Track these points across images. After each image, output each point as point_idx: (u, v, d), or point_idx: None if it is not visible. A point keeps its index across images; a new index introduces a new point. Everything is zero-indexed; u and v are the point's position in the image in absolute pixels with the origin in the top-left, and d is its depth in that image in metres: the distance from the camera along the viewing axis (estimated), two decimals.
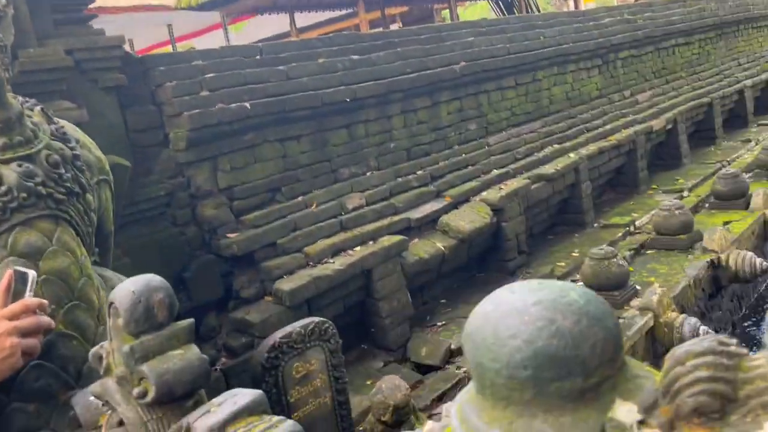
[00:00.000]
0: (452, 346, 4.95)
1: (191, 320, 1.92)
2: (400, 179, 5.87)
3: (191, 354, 1.80)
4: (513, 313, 0.93)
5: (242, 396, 1.66)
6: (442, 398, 4.41)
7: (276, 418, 1.62)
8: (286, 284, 4.47)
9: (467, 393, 1.05)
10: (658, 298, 5.21)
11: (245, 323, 4.37)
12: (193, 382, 1.78)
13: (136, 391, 1.76)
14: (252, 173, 4.96)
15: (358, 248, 5.00)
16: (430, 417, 4.13)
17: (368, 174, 5.73)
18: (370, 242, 5.10)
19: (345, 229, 5.19)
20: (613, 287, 5.39)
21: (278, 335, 3.19)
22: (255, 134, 4.94)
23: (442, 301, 5.78)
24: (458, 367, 4.75)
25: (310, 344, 3.28)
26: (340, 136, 5.59)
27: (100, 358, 1.90)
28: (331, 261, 4.81)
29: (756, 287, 7.05)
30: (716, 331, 5.21)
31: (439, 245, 5.47)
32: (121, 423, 1.84)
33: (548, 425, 0.87)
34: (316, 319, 3.39)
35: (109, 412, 1.87)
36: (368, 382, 4.65)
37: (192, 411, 1.71)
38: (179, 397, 1.76)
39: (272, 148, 5.10)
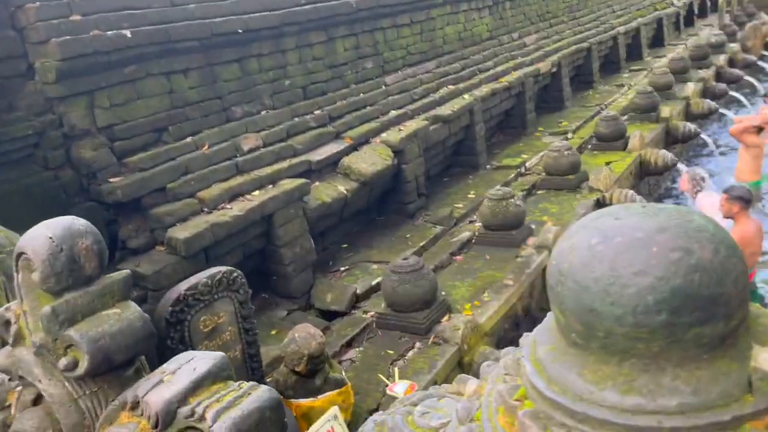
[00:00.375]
0: (358, 291, 4.84)
1: (127, 272, 1.62)
2: (297, 119, 5.56)
3: (130, 313, 1.51)
4: (635, 244, 0.74)
5: (201, 361, 1.41)
6: (350, 344, 4.31)
7: (246, 384, 1.39)
8: (180, 232, 4.11)
9: (548, 345, 0.85)
10: (553, 236, 5.38)
11: (136, 276, 3.96)
12: (135, 346, 1.50)
13: (62, 362, 1.44)
14: (135, 110, 4.46)
15: (256, 192, 4.70)
16: (340, 363, 4.03)
17: (263, 113, 5.37)
18: (270, 186, 4.81)
19: (241, 172, 4.85)
20: (511, 227, 5.49)
21: (183, 287, 2.89)
22: (137, 67, 4.41)
23: (344, 245, 5.64)
24: (364, 312, 4.66)
25: (218, 296, 3.02)
26: (232, 70, 5.16)
27: (6, 323, 1.55)
28: (229, 207, 4.48)
29: None
30: None
31: (342, 188, 5.28)
32: (37, 400, 1.52)
33: (681, 382, 0.69)
34: (223, 268, 3.12)
35: (20, 388, 1.54)
36: (273, 332, 4.46)
37: (134, 381, 1.44)
38: (118, 365, 1.48)
39: (157, 82, 4.60)
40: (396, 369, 3.86)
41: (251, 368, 3.26)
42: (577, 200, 6.47)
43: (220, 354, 1.45)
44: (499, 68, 8.37)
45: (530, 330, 4.31)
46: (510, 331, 4.74)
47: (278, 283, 4.84)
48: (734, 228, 5.65)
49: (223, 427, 1.27)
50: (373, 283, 4.95)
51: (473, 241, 5.67)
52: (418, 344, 4.18)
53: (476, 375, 4.09)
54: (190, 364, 1.42)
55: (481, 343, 4.24)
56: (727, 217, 5.75)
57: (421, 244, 5.54)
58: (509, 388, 0.87)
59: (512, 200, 5.49)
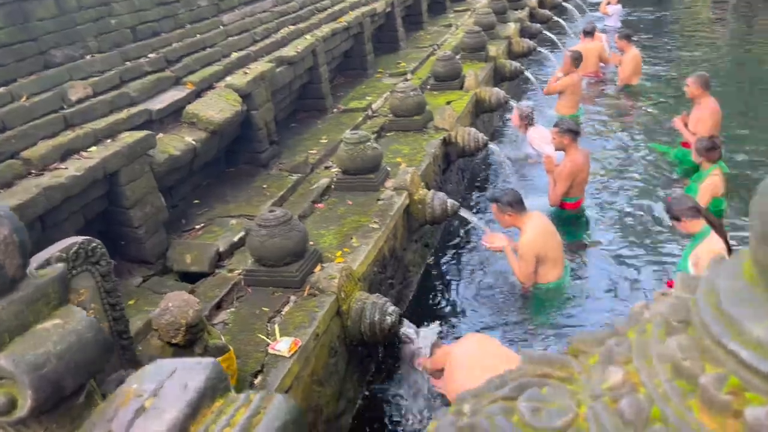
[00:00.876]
0: (220, 249, 4.54)
1: (61, 267, 1.24)
2: (129, 63, 4.95)
3: (76, 322, 1.16)
4: None
5: (189, 372, 1.09)
6: (220, 306, 4.04)
7: (255, 396, 1.12)
8: (7, 200, 3.50)
9: (733, 279, 0.70)
10: (410, 177, 5.43)
11: None
12: (88, 366, 1.14)
13: None
14: None
15: (94, 149, 4.14)
16: (214, 326, 3.76)
17: (88, 57, 4.70)
18: (108, 141, 4.26)
19: (71, 125, 4.23)
20: (369, 170, 5.45)
21: (32, 265, 2.44)
22: None
23: (195, 201, 5.23)
24: (230, 270, 4.39)
25: (76, 270, 2.61)
26: (47, 7, 4.42)
27: None
28: (63, 166, 3.91)
29: (473, 161, 7.87)
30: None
31: (189, 139, 4.84)
32: None
33: None
34: (79, 238, 2.69)
35: None
36: (130, 302, 4.04)
37: (87, 411, 1.09)
38: (69, 394, 1.10)
39: None
40: (276, 326, 3.70)
41: (121, 346, 2.91)
42: (426, 140, 6.58)
43: (209, 361, 1.17)
44: (337, 7, 8.14)
45: (397, 270, 4.35)
46: (378, 273, 4.75)
47: (129, 248, 4.37)
48: (565, 159, 6.11)
49: None
50: (236, 239, 4.66)
51: (332, 187, 5.55)
52: (293, 298, 4.03)
53: (354, 322, 4.05)
54: (177, 380, 1.11)
55: (355, 289, 4.20)
56: (559, 149, 6.20)
57: (280, 194, 5.31)
58: (715, 379, 0.70)
59: (368, 143, 5.43)
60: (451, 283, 5.62)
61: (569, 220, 6.27)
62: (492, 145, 6.95)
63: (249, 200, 5.23)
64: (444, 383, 3.77)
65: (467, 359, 3.71)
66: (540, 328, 4.88)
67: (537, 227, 4.96)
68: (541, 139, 7.96)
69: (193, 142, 4.83)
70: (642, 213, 6.50)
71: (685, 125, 6.93)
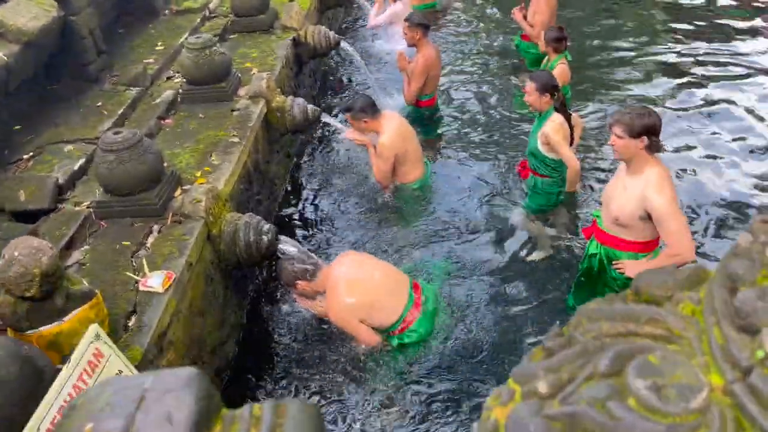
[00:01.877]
0: (60, 181, 3.97)
1: None
2: None
3: None
4: None
5: (169, 396, 0.75)
6: (71, 245, 3.57)
7: (263, 408, 0.83)
8: None
9: None
10: (265, 83, 5.06)
11: None
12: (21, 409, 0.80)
13: None
14: None
15: None
16: (68, 268, 3.32)
17: None
18: None
19: None
20: (219, 78, 4.99)
21: None
22: None
23: (17, 127, 4.48)
24: (76, 204, 3.87)
25: None
26: None
27: None
28: None
29: (325, 62, 7.53)
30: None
31: None
32: None
33: None
34: None
35: None
36: None
37: None
38: None
39: None
40: (143, 261, 3.35)
41: None
42: (274, 41, 6.14)
43: (188, 371, 0.86)
44: None
45: (263, 185, 4.11)
46: (245, 191, 4.46)
47: None
48: (418, 55, 6.00)
49: None
50: (76, 167, 4.10)
51: (179, 99, 5.03)
52: (156, 227, 3.66)
53: (228, 246, 3.80)
54: (153, 410, 0.78)
55: (224, 211, 3.91)
56: (411, 45, 6.06)
57: (119, 111, 4.71)
58: None
59: (215, 48, 4.93)
60: (317, 193, 5.46)
61: (425, 118, 6.27)
62: (344, 44, 6.65)
63: (84, 121, 4.59)
64: (326, 303, 3.68)
65: (348, 276, 3.64)
66: (405, 230, 4.92)
67: (394, 127, 4.86)
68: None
69: (4, 58, 4.06)
70: (496, 103, 6.68)
71: (525, 18, 7.08)
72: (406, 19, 6.05)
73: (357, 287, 3.60)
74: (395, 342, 3.71)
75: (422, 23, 5.97)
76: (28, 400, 2.27)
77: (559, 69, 5.42)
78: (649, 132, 3.21)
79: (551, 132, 4.41)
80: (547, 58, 5.75)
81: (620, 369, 0.63)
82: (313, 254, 3.95)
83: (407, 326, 3.68)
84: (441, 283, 4.27)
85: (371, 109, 4.78)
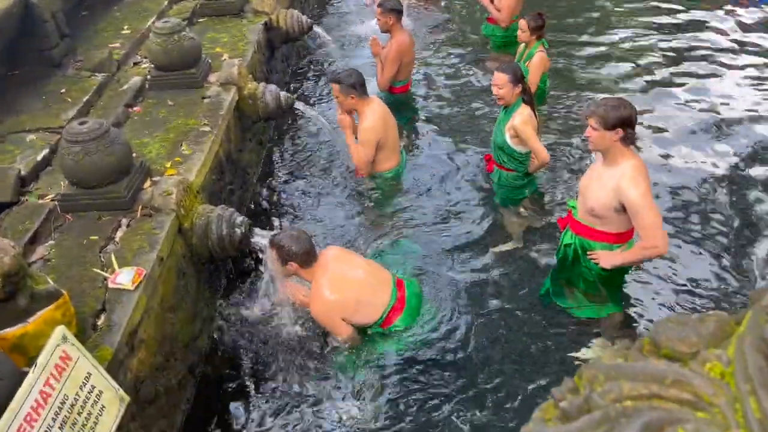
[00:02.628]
0: (22, 173, 3.82)
1: None
2: None
3: None
4: None
5: None
6: (35, 239, 3.44)
7: None
8: None
9: None
10: (237, 69, 4.93)
11: None
12: None
13: None
14: None
15: None
16: (30, 266, 3.20)
17: None
18: None
19: None
20: (188, 64, 4.85)
21: None
22: None
23: None
24: (40, 197, 3.73)
25: None
26: None
27: None
28: None
29: (296, 48, 7.38)
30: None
31: None
32: None
33: None
34: None
35: None
36: None
37: None
38: None
39: None
40: (112, 256, 3.24)
41: None
42: (245, 26, 5.99)
43: None
44: None
45: (235, 175, 4.03)
46: (217, 181, 4.36)
47: None
48: (391, 40, 5.91)
49: None
50: (39, 158, 3.95)
51: (147, 86, 4.88)
52: (125, 221, 3.55)
53: (200, 239, 3.69)
54: None
55: (196, 203, 3.81)
56: (385, 31, 5.97)
57: (84, 98, 4.54)
58: None
59: (184, 33, 4.78)
60: (291, 183, 5.37)
61: (399, 104, 6.20)
62: (317, 28, 6.53)
63: (46, 109, 4.42)
64: (310, 295, 3.60)
65: (333, 273, 3.56)
66: (380, 219, 4.86)
67: (377, 112, 4.76)
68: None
69: None
70: (468, 90, 6.63)
71: (491, 1, 7.02)
72: (378, 5, 5.94)
73: (341, 285, 3.53)
74: (377, 332, 3.67)
75: (394, 8, 5.88)
76: None
77: (539, 57, 5.39)
78: (624, 124, 3.20)
79: (521, 124, 4.38)
80: (524, 45, 5.69)
81: None
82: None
83: (390, 323, 3.64)
84: (412, 264, 4.25)
85: (361, 87, 4.67)
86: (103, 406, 2.58)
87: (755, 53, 7.08)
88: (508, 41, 6.92)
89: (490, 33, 7.28)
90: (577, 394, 0.69)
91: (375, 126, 4.73)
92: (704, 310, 3.82)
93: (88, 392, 2.53)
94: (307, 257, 3.51)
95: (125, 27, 5.62)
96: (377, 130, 4.74)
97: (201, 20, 6.11)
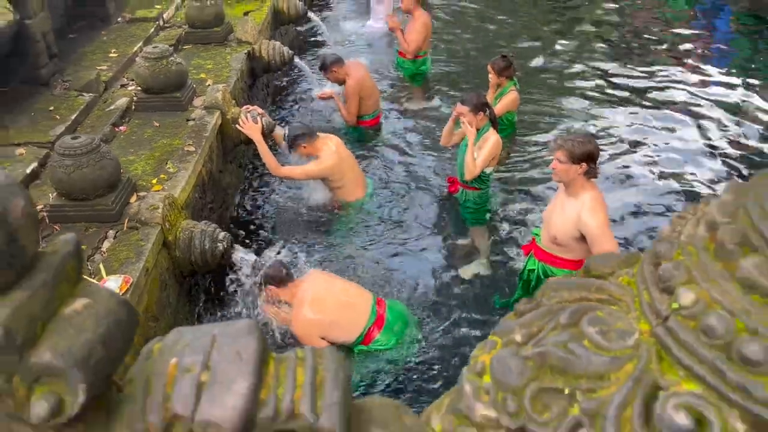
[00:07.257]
0: None
1: (72, 236, 0.96)
2: None
3: (105, 300, 0.91)
4: None
5: (237, 340, 0.90)
6: None
7: (305, 353, 0.98)
8: None
9: None
10: (221, 95, 5.16)
11: None
12: (125, 350, 0.94)
13: (39, 408, 0.82)
14: None
15: None
16: None
17: None
18: None
19: None
20: (175, 88, 5.06)
21: None
22: None
23: None
24: None
25: None
26: None
27: None
28: None
29: (277, 77, 7.66)
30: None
31: None
32: None
33: None
34: None
35: None
36: None
37: (115, 398, 0.89)
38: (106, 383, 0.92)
39: None
40: (101, 265, 3.39)
41: None
42: (229, 54, 6.24)
43: (245, 323, 1.01)
44: None
45: (216, 194, 4.25)
46: (200, 199, 4.54)
47: None
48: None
49: (332, 419, 0.91)
50: (28, 171, 4.09)
51: (133, 107, 5.06)
52: (111, 233, 3.71)
53: (183, 252, 3.86)
54: (225, 349, 0.95)
55: (180, 218, 3.98)
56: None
57: (72, 116, 4.71)
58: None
59: (172, 59, 5.00)
60: (269, 204, 5.57)
61: (366, 137, 6.51)
62: (297, 60, 6.81)
63: (35, 125, 4.56)
64: (292, 315, 3.79)
65: (313, 294, 3.78)
66: (342, 247, 5.06)
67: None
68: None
69: None
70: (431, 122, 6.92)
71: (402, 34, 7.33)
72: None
73: (321, 306, 3.75)
74: (361, 351, 3.86)
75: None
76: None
77: (511, 96, 5.71)
78: (588, 159, 3.49)
79: (486, 149, 4.66)
80: (498, 85, 5.95)
81: (577, 321, 0.86)
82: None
83: (370, 340, 3.83)
84: (390, 284, 4.49)
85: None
86: None
87: (715, 99, 7.57)
88: (416, 73, 7.53)
89: (400, 64, 7.66)
90: (532, 302, 0.96)
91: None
92: None
93: None
94: (283, 279, 3.77)
95: (112, 50, 5.82)
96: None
97: (186, 47, 6.34)
